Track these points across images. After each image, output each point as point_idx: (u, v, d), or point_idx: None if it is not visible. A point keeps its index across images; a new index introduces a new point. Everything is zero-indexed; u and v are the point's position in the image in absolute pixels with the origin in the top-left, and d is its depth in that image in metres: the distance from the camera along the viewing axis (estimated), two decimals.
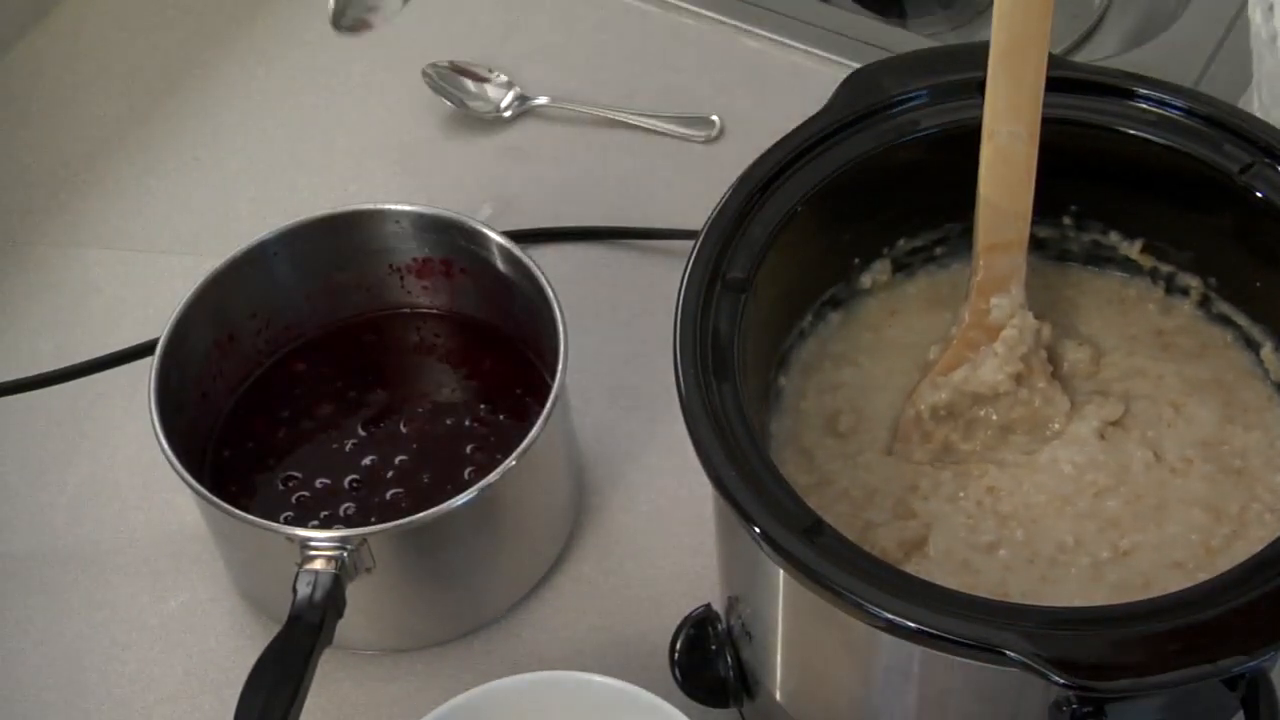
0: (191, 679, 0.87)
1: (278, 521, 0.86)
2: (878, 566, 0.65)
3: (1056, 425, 0.79)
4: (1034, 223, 0.79)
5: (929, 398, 0.79)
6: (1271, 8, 0.82)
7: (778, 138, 0.80)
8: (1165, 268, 0.83)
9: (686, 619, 0.82)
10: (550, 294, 0.87)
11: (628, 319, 1.00)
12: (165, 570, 0.91)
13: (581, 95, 1.11)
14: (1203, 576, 0.70)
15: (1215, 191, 0.77)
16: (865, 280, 0.85)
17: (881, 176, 0.80)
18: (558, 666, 0.84)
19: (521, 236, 0.94)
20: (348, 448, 0.92)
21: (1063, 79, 0.78)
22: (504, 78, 1.12)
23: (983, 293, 0.80)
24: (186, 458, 0.85)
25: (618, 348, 0.98)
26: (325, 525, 0.88)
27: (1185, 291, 0.83)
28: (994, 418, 0.79)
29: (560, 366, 0.85)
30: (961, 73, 0.80)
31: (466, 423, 0.92)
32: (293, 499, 0.90)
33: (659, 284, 1.00)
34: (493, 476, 0.83)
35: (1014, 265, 0.80)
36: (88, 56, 1.17)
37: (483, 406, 0.93)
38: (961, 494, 0.78)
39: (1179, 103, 0.78)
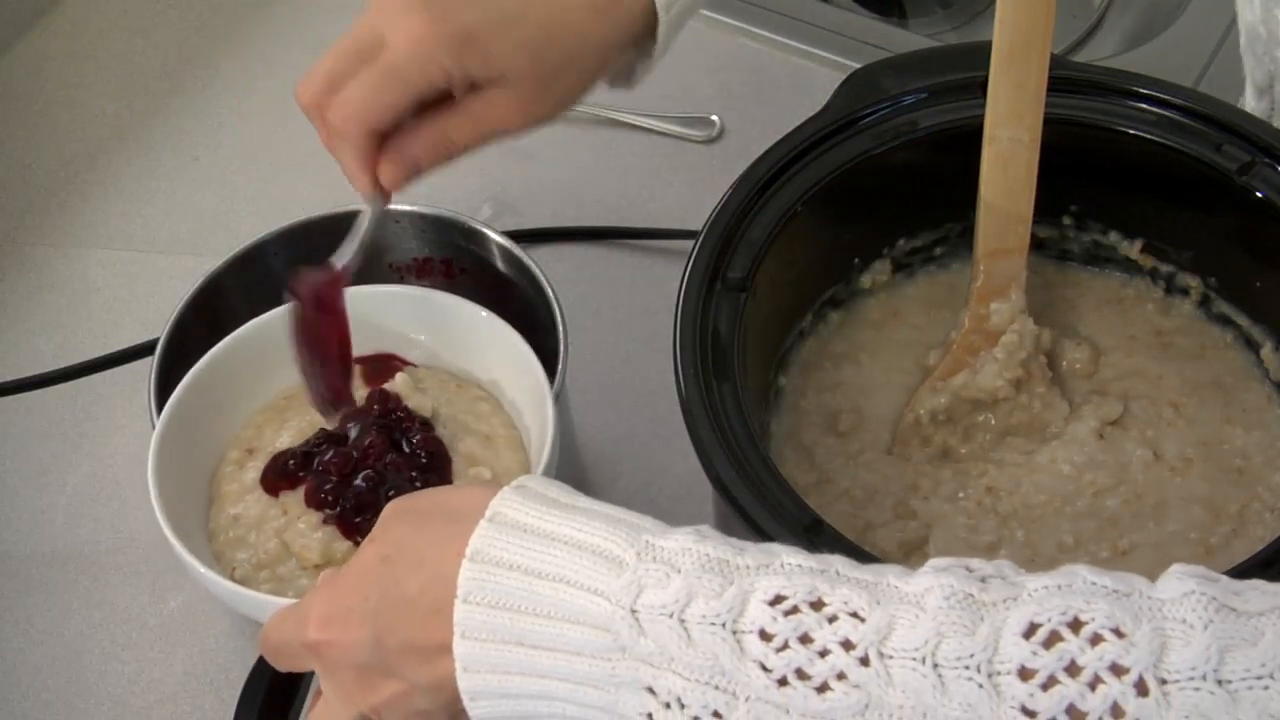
0: (191, 679, 0.87)
1: None
2: None
3: (1055, 429, 0.79)
4: (1034, 223, 0.79)
5: (928, 403, 0.79)
6: None
7: (778, 138, 0.80)
8: (1165, 268, 0.83)
9: None
10: (550, 294, 0.87)
11: (628, 319, 1.00)
12: (165, 570, 0.91)
13: None
14: None
15: (1215, 191, 0.77)
16: (865, 280, 0.85)
17: (881, 176, 0.80)
18: None
19: (521, 236, 0.94)
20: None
21: (1063, 79, 0.78)
22: None
23: (982, 298, 0.80)
24: None
25: (618, 348, 0.98)
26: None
27: (1185, 291, 0.83)
28: (993, 422, 0.79)
29: (560, 366, 0.85)
30: (961, 73, 0.80)
31: None
32: None
33: (659, 284, 0.99)
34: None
35: (1014, 271, 0.80)
36: (88, 56, 1.17)
37: None
38: (961, 494, 0.77)
39: (1179, 103, 0.78)
